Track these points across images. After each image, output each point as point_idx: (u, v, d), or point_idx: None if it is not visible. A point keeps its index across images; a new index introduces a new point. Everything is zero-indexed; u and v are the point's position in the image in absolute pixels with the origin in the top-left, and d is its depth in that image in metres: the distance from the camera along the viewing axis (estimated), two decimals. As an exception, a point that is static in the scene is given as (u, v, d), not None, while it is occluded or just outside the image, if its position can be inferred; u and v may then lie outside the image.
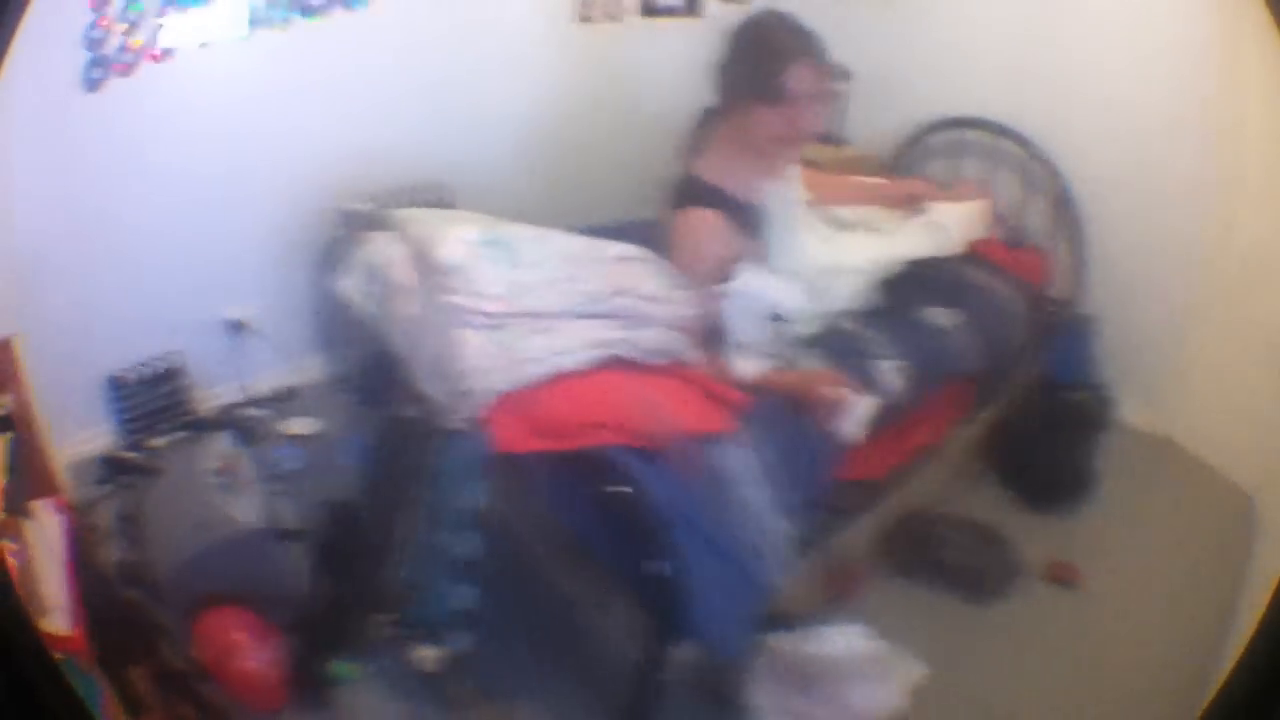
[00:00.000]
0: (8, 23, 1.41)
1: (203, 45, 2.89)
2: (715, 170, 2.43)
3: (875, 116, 4.32)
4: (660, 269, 2.27)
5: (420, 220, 2.33)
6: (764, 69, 2.29)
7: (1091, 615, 2.85)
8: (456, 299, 2.03)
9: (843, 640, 2.36)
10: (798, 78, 2.28)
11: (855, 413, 2.30)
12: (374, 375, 2.44)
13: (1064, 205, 3.81)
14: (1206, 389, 3.69)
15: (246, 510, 2.50)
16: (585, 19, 3.82)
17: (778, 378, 2.27)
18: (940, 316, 2.88)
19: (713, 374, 2.22)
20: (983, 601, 2.78)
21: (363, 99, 3.27)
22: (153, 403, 3.04)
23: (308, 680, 2.17)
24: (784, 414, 2.20)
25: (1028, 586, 2.89)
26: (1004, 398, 3.32)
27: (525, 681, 2.25)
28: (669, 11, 4.05)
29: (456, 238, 2.13)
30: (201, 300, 3.14)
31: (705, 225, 2.36)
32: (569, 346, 2.01)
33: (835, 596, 2.59)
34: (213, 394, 3.20)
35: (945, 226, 3.06)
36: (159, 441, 2.98)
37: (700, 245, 2.34)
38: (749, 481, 2.05)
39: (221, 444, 2.80)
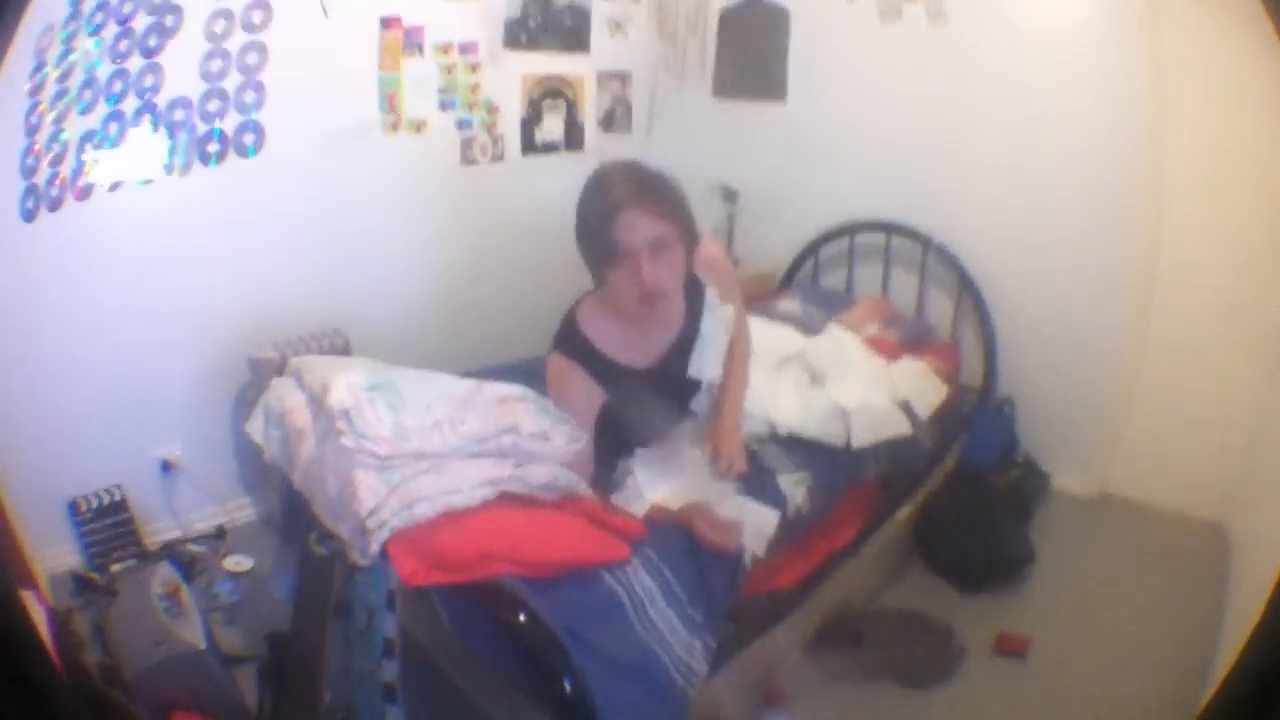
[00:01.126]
0: (7, 24, 1.41)
1: (113, 187, 2.96)
2: (590, 322, 2.41)
3: (767, 231, 4.43)
4: (543, 407, 2.27)
5: (314, 367, 2.37)
6: (596, 230, 2.23)
7: (1047, 681, 2.84)
8: (348, 441, 2.06)
9: None
10: (630, 233, 2.20)
11: (756, 532, 2.32)
12: (288, 515, 2.47)
13: (967, 295, 3.91)
14: (1142, 440, 3.79)
15: (193, 633, 2.55)
16: (469, 162, 3.91)
17: (660, 514, 2.28)
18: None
19: (604, 506, 2.25)
20: (922, 686, 2.76)
21: (264, 246, 3.34)
22: (106, 530, 3.15)
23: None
24: (681, 538, 2.22)
25: (976, 663, 2.88)
26: (920, 492, 3.34)
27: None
28: (550, 148, 4.17)
29: (345, 384, 2.16)
30: (134, 439, 3.20)
31: (564, 374, 2.37)
32: (459, 485, 2.02)
33: (767, 702, 2.56)
34: (155, 528, 3.27)
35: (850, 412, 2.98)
36: (116, 567, 3.11)
37: (560, 392, 2.36)
38: (650, 604, 2.07)
39: (165, 572, 2.87)
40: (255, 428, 2.46)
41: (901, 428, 3.04)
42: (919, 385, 3.28)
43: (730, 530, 2.25)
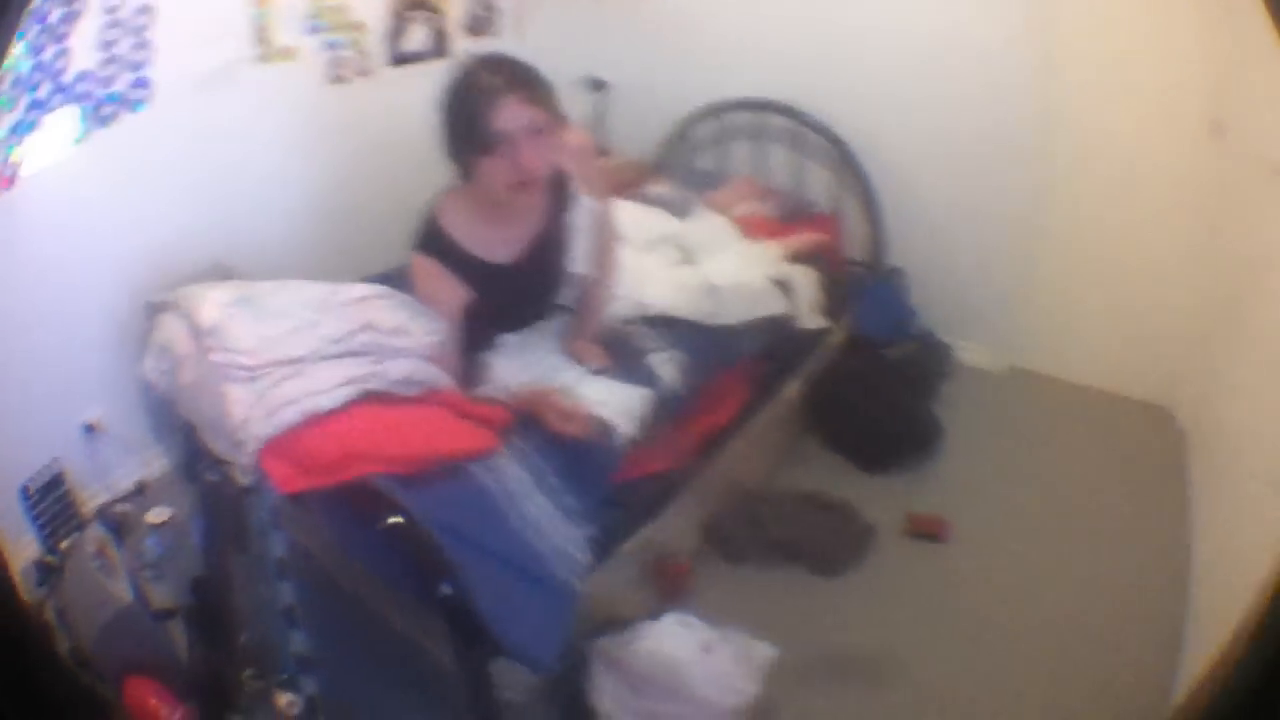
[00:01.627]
0: (8, 23, 1.40)
1: (33, 170, 2.95)
2: (450, 219, 2.41)
3: (641, 119, 4.41)
4: (401, 303, 2.31)
5: (191, 295, 2.38)
6: (471, 121, 2.23)
7: (970, 564, 2.84)
8: (217, 357, 2.11)
9: (675, 633, 2.34)
10: (506, 119, 2.21)
11: (625, 412, 2.34)
12: (187, 451, 2.49)
13: (846, 168, 3.91)
14: (1056, 315, 3.79)
15: (122, 588, 2.57)
16: (339, 81, 3.90)
17: (512, 399, 2.30)
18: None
19: (468, 399, 2.28)
20: (830, 571, 2.76)
21: (159, 195, 3.34)
22: (52, 508, 3.14)
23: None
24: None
25: (889, 547, 2.89)
26: (807, 368, 3.35)
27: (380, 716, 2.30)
28: (417, 58, 4.13)
29: (212, 301, 2.23)
30: (61, 408, 3.19)
31: (426, 273, 2.38)
32: (321, 387, 2.05)
33: (668, 594, 2.60)
34: (90, 494, 3.26)
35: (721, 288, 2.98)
36: (65, 544, 3.06)
37: (423, 290, 2.38)
38: (523, 494, 2.10)
39: (94, 532, 2.91)
40: (148, 366, 2.47)
41: (776, 305, 3.05)
42: (781, 264, 3.25)
43: (575, 415, 2.27)
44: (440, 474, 2.02)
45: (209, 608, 2.48)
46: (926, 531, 2.91)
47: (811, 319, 3.26)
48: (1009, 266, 3.81)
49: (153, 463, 3.37)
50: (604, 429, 2.30)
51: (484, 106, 2.20)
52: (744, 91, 4.12)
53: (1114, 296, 3.62)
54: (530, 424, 2.22)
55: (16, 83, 2.88)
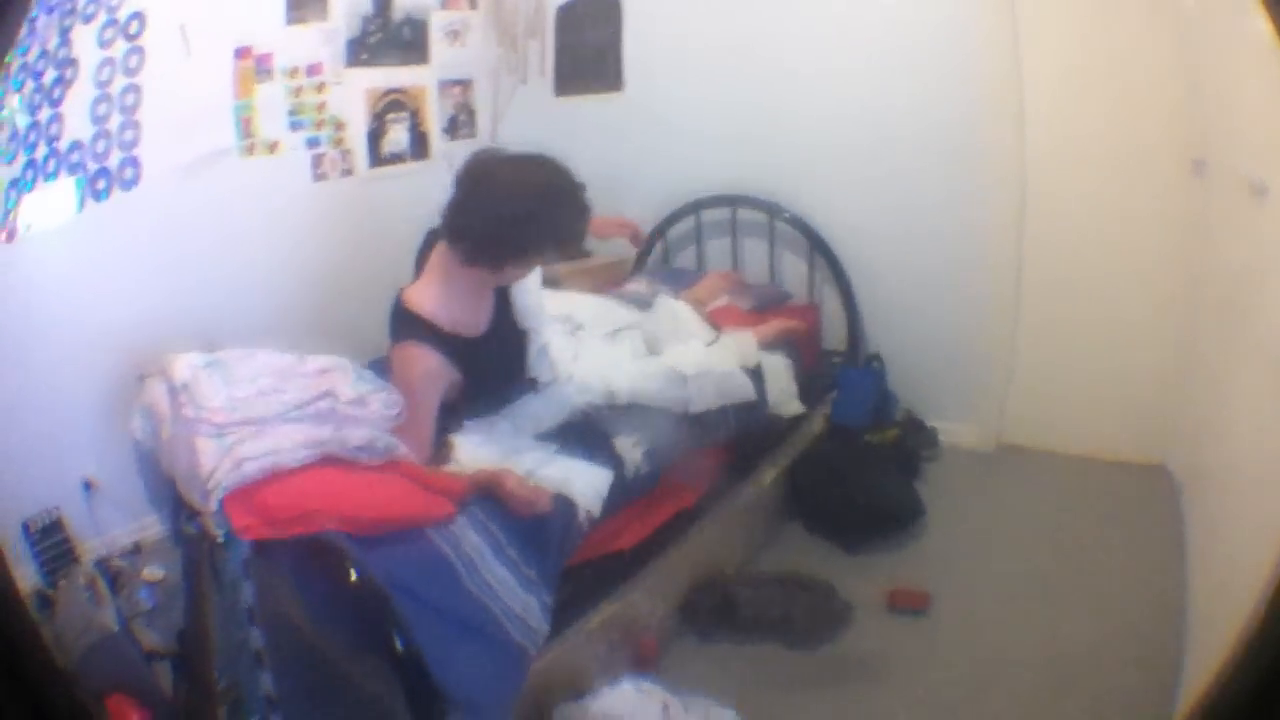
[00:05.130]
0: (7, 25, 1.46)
1: (30, 227, 3.07)
2: (425, 305, 2.46)
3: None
4: (361, 377, 2.39)
5: (170, 359, 2.46)
6: (567, 223, 2.41)
7: (953, 633, 2.81)
8: (189, 412, 2.21)
9: (631, 698, 2.34)
10: (584, 232, 2.46)
11: (591, 492, 2.39)
12: (169, 505, 2.55)
13: (820, 258, 3.99)
14: (1037, 388, 3.81)
15: (108, 617, 2.69)
16: (321, 178, 4.00)
17: (473, 476, 2.33)
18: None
19: (429, 467, 2.34)
20: (805, 646, 2.72)
21: (150, 272, 3.43)
22: (53, 550, 3.19)
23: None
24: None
25: (870, 621, 2.83)
26: (784, 454, 3.39)
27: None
28: (395, 159, 4.25)
29: (184, 362, 2.35)
30: (61, 461, 3.27)
31: (414, 359, 2.42)
32: (282, 446, 2.11)
33: (637, 668, 2.58)
34: (89, 546, 3.31)
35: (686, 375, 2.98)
36: (63, 583, 3.10)
37: (410, 379, 2.42)
38: (481, 563, 2.15)
39: (85, 568, 3.05)
40: (135, 425, 2.58)
41: (746, 392, 3.03)
42: (751, 351, 3.22)
43: (533, 497, 2.29)
44: (396, 537, 2.07)
45: (192, 655, 2.50)
46: (908, 605, 2.89)
47: (786, 406, 3.29)
48: (988, 344, 3.83)
49: (150, 527, 3.39)
50: (565, 507, 2.33)
51: (584, 218, 2.45)
52: (716, 184, 4.19)
53: (1100, 360, 3.61)
54: (490, 499, 2.26)
55: (14, 138, 3.02)
